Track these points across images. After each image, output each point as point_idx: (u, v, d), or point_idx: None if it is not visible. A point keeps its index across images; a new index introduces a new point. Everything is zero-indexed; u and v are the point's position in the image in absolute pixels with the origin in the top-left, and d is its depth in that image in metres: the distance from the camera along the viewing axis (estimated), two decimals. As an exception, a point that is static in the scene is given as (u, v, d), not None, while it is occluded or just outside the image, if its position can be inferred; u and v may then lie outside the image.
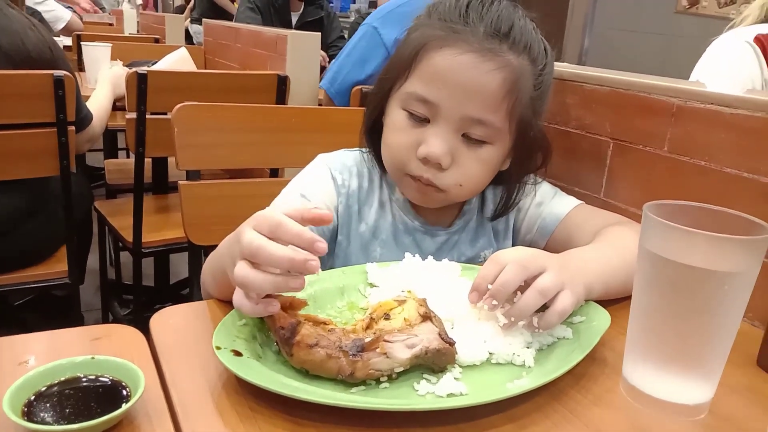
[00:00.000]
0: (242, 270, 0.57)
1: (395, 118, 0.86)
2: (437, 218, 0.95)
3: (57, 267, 1.65)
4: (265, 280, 0.57)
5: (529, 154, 0.89)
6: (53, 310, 2.23)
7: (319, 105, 2.10)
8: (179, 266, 2.50)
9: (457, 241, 0.95)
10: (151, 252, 1.88)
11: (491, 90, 0.80)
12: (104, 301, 2.25)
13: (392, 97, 0.88)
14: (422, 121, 0.83)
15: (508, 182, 0.92)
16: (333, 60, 2.13)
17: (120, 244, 2.16)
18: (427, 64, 0.82)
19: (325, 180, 0.92)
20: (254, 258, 0.57)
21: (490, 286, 0.65)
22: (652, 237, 0.57)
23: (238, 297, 0.59)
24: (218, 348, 0.57)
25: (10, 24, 1.47)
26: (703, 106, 0.84)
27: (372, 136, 0.94)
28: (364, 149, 0.96)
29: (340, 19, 3.82)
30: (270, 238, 0.57)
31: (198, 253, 1.37)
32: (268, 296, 0.59)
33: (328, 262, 0.92)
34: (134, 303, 2.18)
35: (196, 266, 1.36)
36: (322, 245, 0.57)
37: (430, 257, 0.79)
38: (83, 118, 1.69)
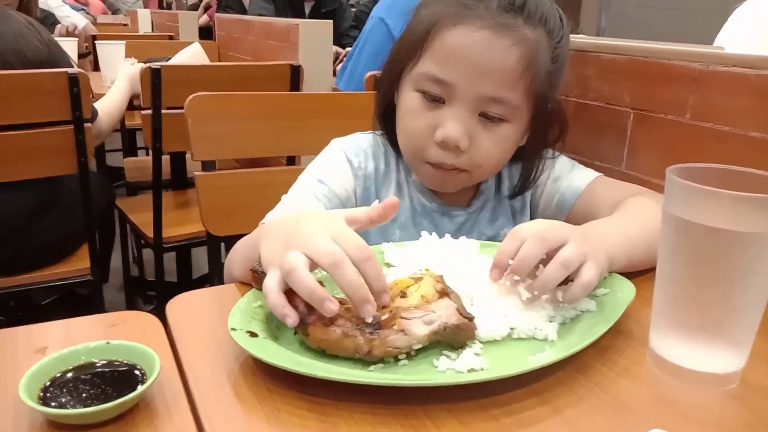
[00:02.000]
0: (296, 259, 0.56)
1: (409, 101, 0.84)
2: (455, 199, 0.93)
3: (79, 264, 1.66)
4: (306, 287, 0.55)
5: (546, 127, 0.87)
6: (78, 309, 2.26)
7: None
8: (201, 262, 2.52)
9: (476, 221, 0.94)
10: (172, 247, 1.90)
11: (509, 67, 0.78)
12: (128, 298, 2.27)
13: (404, 78, 0.86)
14: (437, 101, 0.81)
15: (527, 158, 0.90)
16: (346, 57, 2.11)
17: (142, 241, 2.18)
18: (440, 43, 0.80)
19: (341, 164, 0.91)
20: (286, 277, 0.56)
21: (510, 262, 0.63)
22: (676, 200, 0.55)
23: (269, 282, 0.57)
24: (233, 329, 0.56)
25: (5, 26, 1.48)
26: (726, 69, 0.81)
27: (385, 120, 0.92)
28: (377, 132, 0.95)
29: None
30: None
31: (217, 245, 1.37)
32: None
33: None
34: (157, 299, 2.20)
35: (215, 258, 1.36)
36: (332, 306, 0.55)
37: (448, 235, 0.78)
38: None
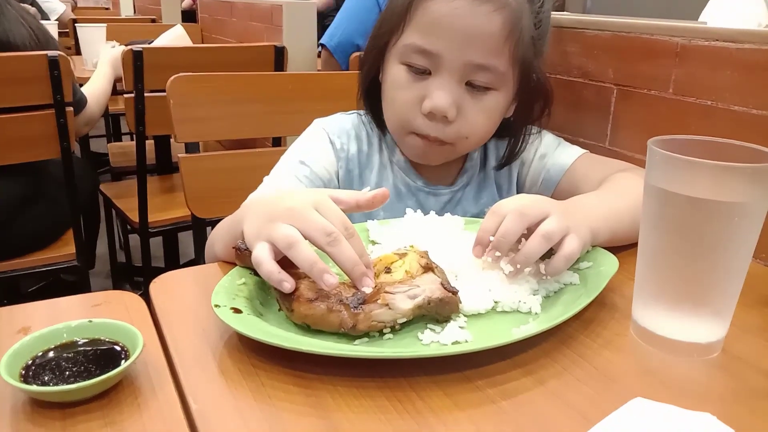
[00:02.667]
0: (294, 232, 0.56)
1: (395, 75, 0.84)
2: (439, 177, 0.93)
3: (65, 251, 1.65)
4: (308, 259, 0.55)
5: (533, 98, 0.87)
6: (65, 296, 2.24)
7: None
8: (188, 246, 2.50)
9: (461, 199, 0.94)
10: (159, 231, 1.88)
11: (492, 33, 0.78)
12: (115, 284, 2.26)
13: (389, 52, 0.85)
14: (423, 73, 0.81)
15: (513, 130, 0.90)
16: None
17: (128, 227, 2.16)
18: (423, 13, 0.80)
19: (324, 145, 0.90)
20: (287, 250, 0.56)
21: (492, 238, 0.64)
22: (658, 172, 0.55)
23: (261, 252, 0.57)
24: (217, 306, 0.56)
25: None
26: (708, 43, 0.81)
27: (369, 97, 0.92)
28: (360, 112, 0.94)
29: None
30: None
31: (202, 228, 1.36)
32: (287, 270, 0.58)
33: None
34: (144, 284, 2.19)
35: (201, 241, 1.35)
36: (332, 280, 0.55)
37: (432, 212, 0.78)
38: (78, 101, 1.68)
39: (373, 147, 0.93)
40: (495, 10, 0.77)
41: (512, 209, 0.64)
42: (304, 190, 0.62)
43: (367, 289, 0.57)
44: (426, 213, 0.78)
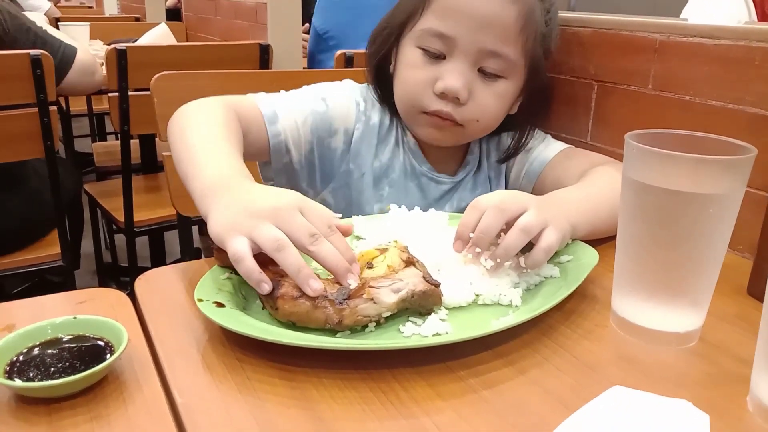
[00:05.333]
0: (279, 235, 0.56)
1: (410, 57, 0.86)
2: (444, 165, 0.95)
3: (50, 251, 1.64)
4: (295, 264, 0.55)
5: (538, 95, 0.90)
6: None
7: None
8: (174, 246, 2.50)
9: (459, 189, 0.96)
10: (144, 231, 1.88)
11: (508, 22, 0.81)
12: (101, 285, 2.24)
13: (405, 36, 0.88)
14: (438, 57, 0.84)
15: (517, 125, 0.92)
16: None
17: (114, 227, 2.15)
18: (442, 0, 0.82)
19: (349, 99, 0.92)
20: (274, 252, 0.56)
21: (472, 235, 0.64)
22: (635, 165, 0.56)
23: (242, 247, 0.56)
24: (200, 300, 0.56)
25: None
26: (686, 39, 0.82)
27: (378, 80, 0.93)
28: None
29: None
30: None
31: (188, 227, 1.36)
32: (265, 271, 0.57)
33: (340, 191, 0.92)
34: (131, 284, 2.18)
35: (186, 239, 1.35)
36: (317, 285, 0.56)
37: (417, 207, 0.78)
38: (64, 53, 1.65)
39: (393, 124, 0.94)
40: (511, 1, 0.80)
41: (491, 205, 0.65)
42: (281, 190, 0.62)
43: (353, 284, 0.57)
44: (426, 198, 0.80)
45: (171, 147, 0.75)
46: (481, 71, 0.83)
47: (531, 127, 0.93)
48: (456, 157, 0.96)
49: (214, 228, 0.59)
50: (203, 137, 0.72)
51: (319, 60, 2.00)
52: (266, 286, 0.56)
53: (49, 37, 1.66)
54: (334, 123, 0.89)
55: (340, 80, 0.96)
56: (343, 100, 0.91)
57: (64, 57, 1.65)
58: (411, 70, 0.86)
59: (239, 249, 0.56)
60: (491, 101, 0.85)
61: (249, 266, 0.56)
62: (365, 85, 0.96)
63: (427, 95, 0.84)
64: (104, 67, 1.75)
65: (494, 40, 0.81)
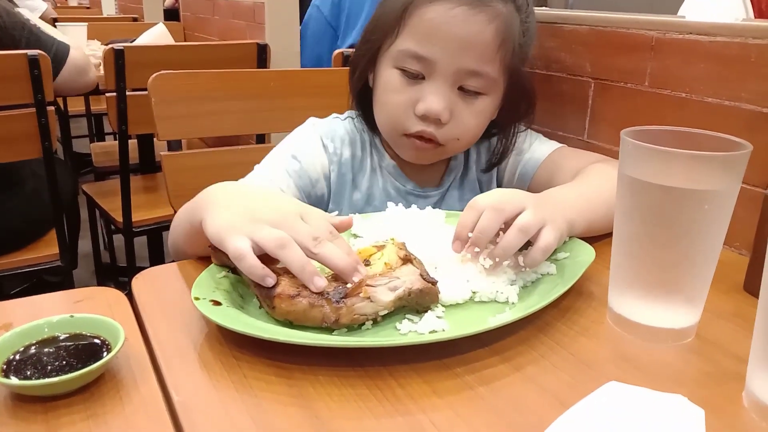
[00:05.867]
0: (283, 235, 0.57)
1: (388, 78, 0.85)
2: (427, 180, 0.94)
3: (48, 251, 1.64)
4: (299, 260, 0.56)
5: (518, 100, 0.89)
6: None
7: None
8: (173, 246, 2.49)
9: (448, 198, 0.95)
10: (143, 231, 1.88)
11: (486, 41, 0.80)
12: (99, 285, 2.23)
13: (382, 56, 0.86)
14: (416, 78, 0.82)
15: (500, 130, 0.92)
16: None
17: (112, 227, 2.15)
18: (419, 20, 0.81)
19: (316, 145, 0.91)
20: (277, 250, 0.57)
21: (470, 235, 0.65)
22: (631, 162, 0.56)
23: (243, 245, 0.56)
24: (197, 299, 0.56)
25: None
26: (682, 36, 0.83)
27: (360, 100, 0.92)
28: (353, 114, 0.95)
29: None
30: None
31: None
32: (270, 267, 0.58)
33: None
34: (129, 284, 2.18)
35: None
36: (321, 283, 0.56)
37: (414, 206, 0.78)
38: (57, 51, 1.64)
39: (366, 152, 0.93)
40: (488, 19, 0.79)
41: (489, 205, 0.65)
42: (281, 198, 0.63)
43: (357, 277, 0.58)
44: None
45: (181, 235, 0.74)
46: (462, 89, 0.82)
47: (516, 126, 0.92)
48: (439, 168, 0.95)
49: (212, 228, 0.60)
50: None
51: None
52: (270, 280, 0.57)
53: (43, 35, 1.66)
54: (312, 174, 0.88)
55: (305, 119, 0.94)
56: (312, 150, 0.90)
57: (57, 55, 1.65)
58: (391, 94, 0.84)
59: (241, 246, 0.56)
60: (472, 119, 0.84)
61: (251, 262, 0.56)
62: (328, 120, 0.95)
63: (408, 118, 0.83)
64: (102, 67, 1.75)
65: (474, 61, 0.80)
